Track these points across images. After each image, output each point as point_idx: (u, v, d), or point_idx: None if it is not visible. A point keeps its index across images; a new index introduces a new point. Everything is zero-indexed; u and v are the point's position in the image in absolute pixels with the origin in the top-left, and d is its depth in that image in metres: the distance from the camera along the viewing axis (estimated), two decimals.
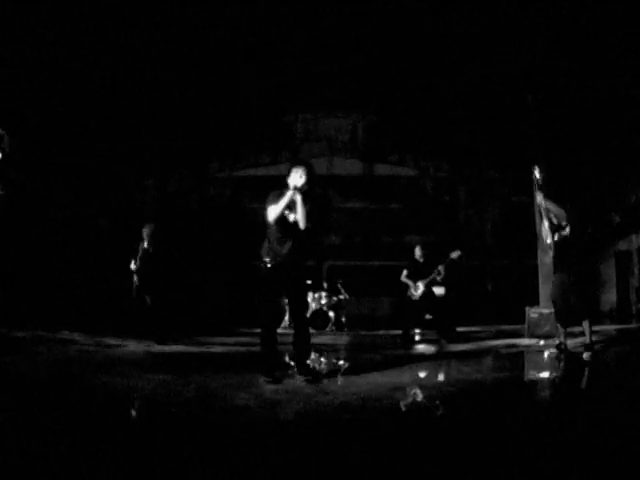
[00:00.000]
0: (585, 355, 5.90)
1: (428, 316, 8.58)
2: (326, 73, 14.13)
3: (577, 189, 6.30)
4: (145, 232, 7.66)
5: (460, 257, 8.26)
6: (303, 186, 4.61)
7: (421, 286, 8.35)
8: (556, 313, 6.65)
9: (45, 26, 10.15)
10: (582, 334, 6.46)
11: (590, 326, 6.13)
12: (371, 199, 15.89)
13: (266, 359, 4.73)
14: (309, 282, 11.48)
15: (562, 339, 6.50)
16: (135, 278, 7.71)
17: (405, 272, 8.58)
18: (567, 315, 6.36)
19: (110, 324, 9.29)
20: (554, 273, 6.58)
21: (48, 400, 3.76)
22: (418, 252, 8.62)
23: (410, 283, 8.45)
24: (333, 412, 3.53)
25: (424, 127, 14.91)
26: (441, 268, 8.22)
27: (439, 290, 8.72)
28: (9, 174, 11.34)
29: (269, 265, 4.71)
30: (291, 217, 4.69)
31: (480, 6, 10.59)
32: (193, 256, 14.14)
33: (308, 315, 11.03)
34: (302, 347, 4.84)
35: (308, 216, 4.63)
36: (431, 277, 8.31)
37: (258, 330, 4.88)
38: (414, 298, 8.38)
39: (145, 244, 7.65)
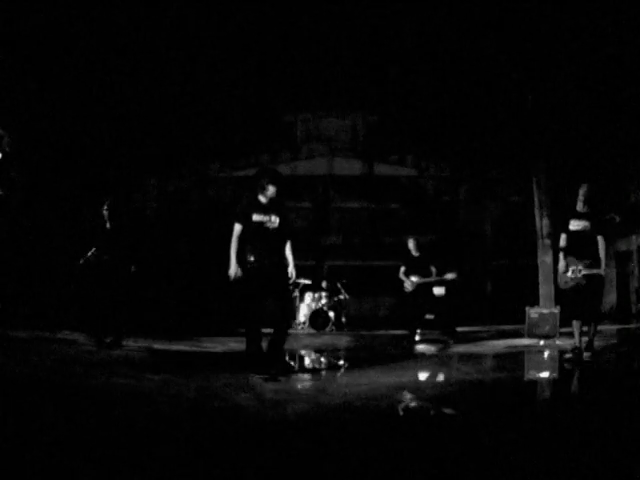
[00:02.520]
0: (585, 355, 5.89)
1: (429, 316, 8.59)
2: (326, 73, 14.15)
3: (577, 189, 6.24)
4: (104, 209, 6.86)
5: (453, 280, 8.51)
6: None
7: (414, 280, 8.44)
8: (571, 310, 6.20)
9: (46, 26, 10.15)
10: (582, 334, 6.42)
11: (595, 327, 6.00)
12: (371, 199, 15.86)
13: (257, 357, 4.80)
14: (309, 282, 11.49)
15: (577, 342, 5.93)
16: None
17: (402, 269, 8.68)
18: (579, 309, 5.92)
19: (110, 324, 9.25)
20: (565, 257, 6.13)
21: (47, 400, 3.76)
22: (411, 245, 8.66)
23: (404, 279, 8.61)
24: (333, 412, 3.53)
25: (424, 127, 14.90)
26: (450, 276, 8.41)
27: (439, 290, 8.75)
28: (9, 174, 11.34)
29: (255, 266, 4.85)
30: (269, 225, 4.89)
31: (480, 6, 10.61)
32: (193, 256, 14.13)
33: (308, 315, 11.03)
34: (279, 345, 4.90)
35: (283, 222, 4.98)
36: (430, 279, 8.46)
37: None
38: (407, 291, 8.53)
39: (107, 225, 6.89)
